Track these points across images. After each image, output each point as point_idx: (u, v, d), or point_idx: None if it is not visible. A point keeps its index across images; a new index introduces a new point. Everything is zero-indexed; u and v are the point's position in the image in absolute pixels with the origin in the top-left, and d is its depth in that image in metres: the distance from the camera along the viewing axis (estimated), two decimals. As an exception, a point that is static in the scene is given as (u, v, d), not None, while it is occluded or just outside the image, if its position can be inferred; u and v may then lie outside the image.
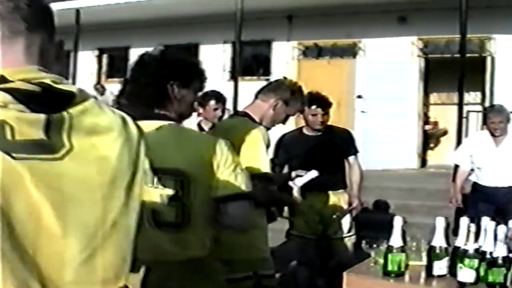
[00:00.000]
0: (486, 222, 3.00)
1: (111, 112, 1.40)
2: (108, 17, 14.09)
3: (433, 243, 3.05)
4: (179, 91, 2.46)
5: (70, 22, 13.70)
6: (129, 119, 1.43)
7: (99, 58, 16.45)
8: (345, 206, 5.35)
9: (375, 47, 12.29)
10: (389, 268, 3.01)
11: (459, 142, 8.97)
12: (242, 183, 2.33)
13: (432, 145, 13.08)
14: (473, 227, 2.94)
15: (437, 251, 3.00)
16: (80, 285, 1.31)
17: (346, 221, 5.34)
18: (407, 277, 3.03)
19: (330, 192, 5.27)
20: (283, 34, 13.20)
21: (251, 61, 14.40)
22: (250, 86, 13.07)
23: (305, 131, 5.37)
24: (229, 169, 2.31)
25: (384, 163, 10.70)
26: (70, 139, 1.27)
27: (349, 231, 5.34)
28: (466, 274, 2.85)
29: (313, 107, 5.12)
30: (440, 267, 2.99)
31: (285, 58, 13.38)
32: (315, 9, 12.10)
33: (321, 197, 5.22)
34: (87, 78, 15.38)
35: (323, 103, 5.21)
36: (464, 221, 3.00)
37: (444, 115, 12.47)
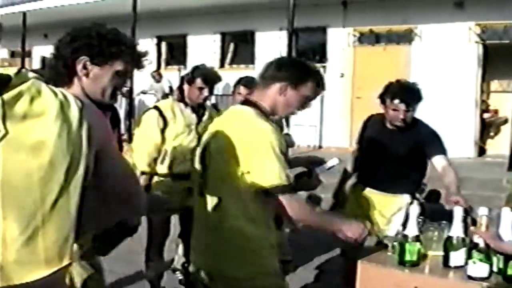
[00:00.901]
0: (504, 212, 2.89)
1: (51, 95, 1.40)
2: (166, 4, 14.23)
3: (450, 233, 2.96)
4: (91, 69, 2.29)
5: (127, 10, 13.93)
6: (72, 102, 1.43)
7: (158, 46, 16.66)
8: (396, 211, 4.38)
9: (431, 33, 12.00)
10: (406, 258, 2.96)
11: (516, 131, 8.71)
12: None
13: (492, 133, 12.68)
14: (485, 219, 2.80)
15: (454, 241, 2.92)
16: (23, 265, 1.34)
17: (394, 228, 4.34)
18: (422, 267, 2.97)
19: (388, 195, 4.41)
20: (338, 20, 13.07)
21: (307, 48, 14.31)
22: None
23: (386, 122, 4.42)
24: None
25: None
26: (5, 124, 1.30)
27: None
28: (477, 268, 2.76)
29: (396, 101, 4.20)
30: (457, 257, 2.91)
31: (340, 44, 13.25)
32: (370, -6, 11.93)
33: (375, 198, 4.45)
34: (147, 66, 15.54)
35: (409, 97, 4.23)
36: (482, 211, 2.86)
37: (506, 103, 12.06)
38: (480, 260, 2.74)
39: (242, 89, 4.68)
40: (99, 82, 2.27)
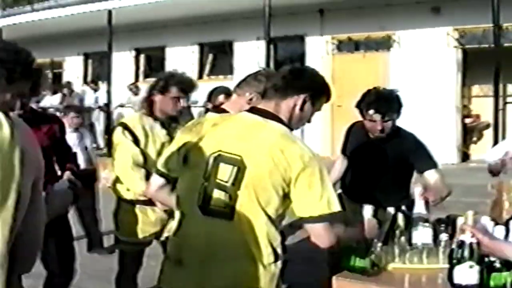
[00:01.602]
0: (483, 221, 2.79)
1: None
2: (144, 17, 14.16)
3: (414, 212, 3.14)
4: None
5: (104, 23, 13.85)
6: (4, 125, 1.39)
7: (137, 58, 16.56)
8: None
9: (409, 39, 12.01)
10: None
11: (495, 135, 8.65)
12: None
13: (475, 138, 12.67)
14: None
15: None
16: None
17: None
18: (401, 280, 2.90)
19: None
20: (316, 28, 13.03)
21: (285, 57, 14.26)
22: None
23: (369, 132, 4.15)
24: None
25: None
26: None
27: None
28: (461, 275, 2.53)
29: (370, 111, 3.93)
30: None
31: (319, 53, 13.19)
32: (346, 1, 11.92)
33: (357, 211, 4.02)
34: (125, 78, 15.47)
35: (384, 106, 3.94)
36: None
37: (487, 107, 12.04)
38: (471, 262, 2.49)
39: (223, 98, 4.43)
40: None
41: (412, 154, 4.04)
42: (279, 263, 2.48)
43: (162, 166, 2.72)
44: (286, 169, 2.37)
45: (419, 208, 3.26)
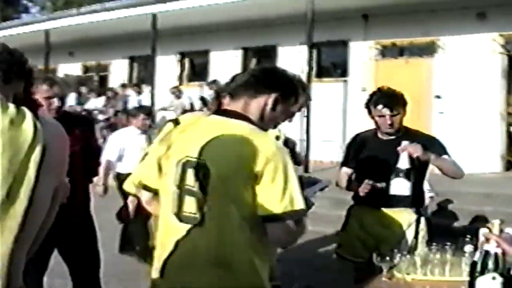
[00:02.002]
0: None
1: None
2: (188, 21, 14.33)
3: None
4: None
5: (149, 27, 14.05)
6: (28, 121, 1.37)
7: (181, 62, 16.74)
8: (404, 228, 4.14)
9: (454, 45, 11.83)
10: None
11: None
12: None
13: (520, 147, 12.44)
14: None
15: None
16: None
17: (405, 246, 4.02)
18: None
19: (395, 210, 4.17)
20: (359, 33, 12.97)
21: (328, 62, 14.26)
22: (327, 88, 13.10)
23: (379, 133, 4.33)
24: None
25: (462, 167, 10.20)
26: None
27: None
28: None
29: (379, 106, 4.17)
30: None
31: (362, 58, 13.13)
32: (391, 6, 11.85)
33: (379, 214, 4.20)
34: (168, 82, 15.67)
35: (391, 101, 4.20)
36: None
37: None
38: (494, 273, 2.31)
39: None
40: None
41: (426, 146, 4.09)
42: (262, 268, 2.39)
43: (145, 179, 2.61)
44: (251, 165, 2.28)
45: (401, 161, 3.67)
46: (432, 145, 4.17)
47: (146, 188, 2.61)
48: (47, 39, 16.44)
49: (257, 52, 15.34)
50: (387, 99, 4.20)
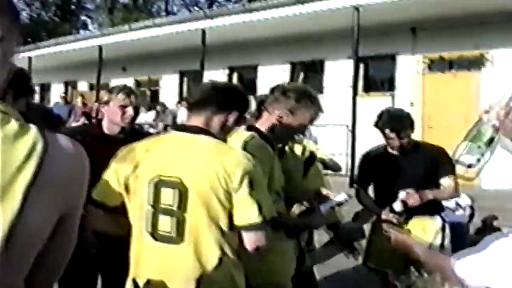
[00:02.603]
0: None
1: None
2: (236, 36, 14.60)
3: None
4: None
5: (199, 42, 14.34)
6: (27, 139, 1.20)
7: (230, 77, 16.97)
8: (433, 235, 4.35)
9: (503, 58, 11.79)
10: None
11: None
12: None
13: None
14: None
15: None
16: None
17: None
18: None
19: (422, 218, 4.36)
20: (407, 47, 13.03)
21: (375, 76, 14.31)
22: (374, 102, 13.13)
23: (389, 149, 4.51)
24: None
25: (507, 182, 10.18)
26: None
27: None
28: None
29: (386, 131, 4.36)
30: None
31: (409, 72, 13.17)
32: (439, 20, 11.89)
33: (411, 224, 4.34)
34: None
35: (398, 125, 4.33)
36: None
37: None
38: None
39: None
40: None
41: (434, 164, 4.33)
42: (240, 279, 2.45)
43: (98, 195, 2.51)
44: (226, 180, 2.33)
45: (396, 204, 4.13)
46: (441, 158, 4.29)
47: (100, 205, 2.52)
48: (100, 55, 16.89)
49: (304, 66, 15.50)
50: (394, 123, 4.34)
